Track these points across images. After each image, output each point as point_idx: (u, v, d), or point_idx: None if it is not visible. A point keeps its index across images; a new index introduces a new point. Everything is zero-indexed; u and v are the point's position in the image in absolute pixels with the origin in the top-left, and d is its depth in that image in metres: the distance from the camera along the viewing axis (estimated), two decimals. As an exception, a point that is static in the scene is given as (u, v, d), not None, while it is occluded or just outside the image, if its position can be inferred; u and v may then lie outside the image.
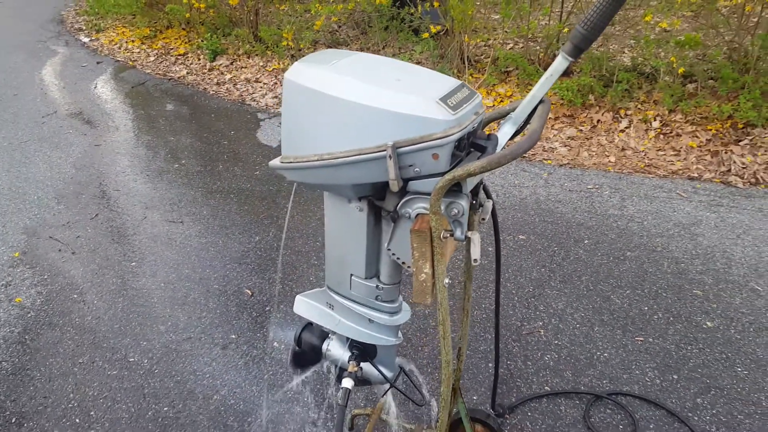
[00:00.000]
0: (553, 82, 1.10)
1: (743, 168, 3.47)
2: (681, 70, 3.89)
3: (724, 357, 2.18)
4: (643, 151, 3.75)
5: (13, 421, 1.98)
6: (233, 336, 2.37)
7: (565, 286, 2.61)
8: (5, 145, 4.25)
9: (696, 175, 3.50)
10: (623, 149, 3.80)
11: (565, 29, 4.25)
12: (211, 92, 5.36)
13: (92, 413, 2.00)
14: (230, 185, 3.63)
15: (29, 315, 2.51)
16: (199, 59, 6.16)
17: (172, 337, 2.36)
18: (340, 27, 6.15)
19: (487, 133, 1.15)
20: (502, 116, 1.27)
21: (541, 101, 1.13)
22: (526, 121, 1.17)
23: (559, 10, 4.46)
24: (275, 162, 1.23)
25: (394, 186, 1.06)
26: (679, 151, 3.70)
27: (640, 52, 4.12)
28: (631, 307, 2.46)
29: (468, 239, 1.13)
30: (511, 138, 1.18)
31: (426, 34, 4.74)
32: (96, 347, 2.31)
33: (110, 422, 1.97)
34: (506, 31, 4.80)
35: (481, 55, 5.02)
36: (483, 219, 1.26)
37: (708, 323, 2.35)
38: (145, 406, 2.03)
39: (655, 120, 3.89)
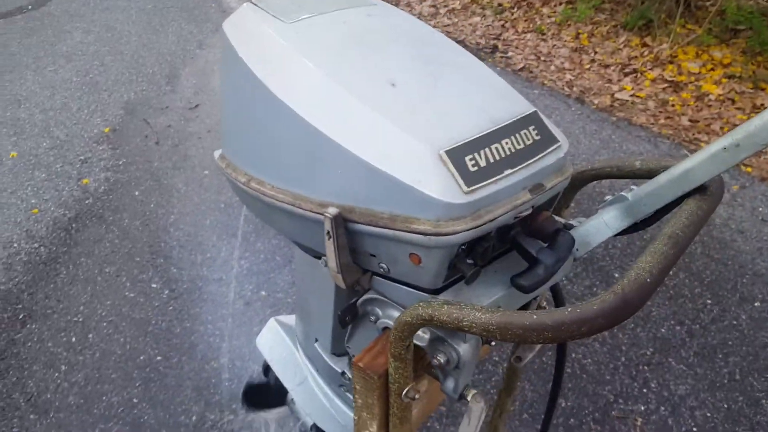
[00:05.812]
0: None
1: None
2: None
3: None
4: None
5: (20, 317, 1.91)
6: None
7: (701, 362, 1.86)
8: (149, 7, 4.23)
9: None
10: None
11: None
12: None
13: (90, 336, 1.85)
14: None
15: (87, 201, 2.43)
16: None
17: (207, 257, 2.12)
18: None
19: (560, 222, 0.56)
20: (610, 176, 0.66)
21: (703, 187, 0.52)
22: (658, 215, 0.57)
23: None
24: (217, 154, 0.79)
25: (339, 281, 0.59)
26: None
27: None
28: (787, 429, 1.67)
29: (463, 399, 0.59)
30: (620, 233, 0.60)
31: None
32: (129, 259, 2.15)
33: (102, 353, 1.81)
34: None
35: (707, 0, 3.75)
36: (519, 357, 0.69)
37: None
38: (142, 347, 1.82)
39: None
